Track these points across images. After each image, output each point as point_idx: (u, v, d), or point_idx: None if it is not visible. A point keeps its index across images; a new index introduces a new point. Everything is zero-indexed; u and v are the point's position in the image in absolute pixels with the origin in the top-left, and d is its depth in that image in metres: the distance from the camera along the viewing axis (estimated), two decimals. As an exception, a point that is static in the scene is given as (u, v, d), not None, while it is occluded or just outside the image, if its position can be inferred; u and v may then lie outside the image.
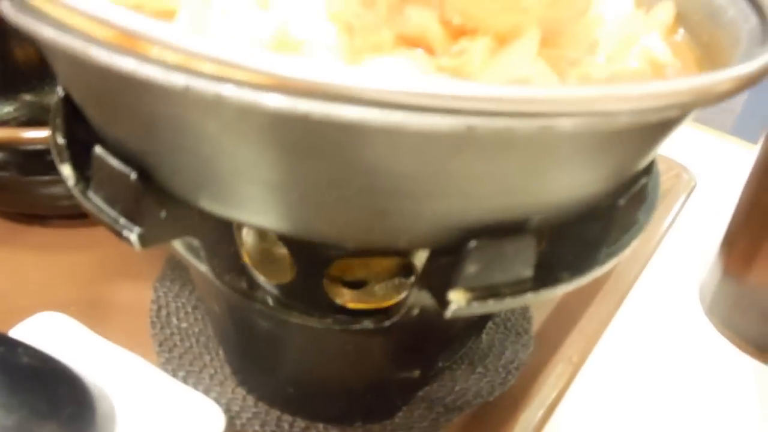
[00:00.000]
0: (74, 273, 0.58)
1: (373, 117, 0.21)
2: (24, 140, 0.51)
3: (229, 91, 0.22)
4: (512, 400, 0.47)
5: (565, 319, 0.52)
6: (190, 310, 0.54)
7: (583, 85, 0.22)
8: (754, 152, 0.56)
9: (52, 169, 0.55)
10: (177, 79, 0.22)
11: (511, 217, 0.29)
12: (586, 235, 0.34)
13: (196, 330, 0.53)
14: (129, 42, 0.23)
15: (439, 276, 0.31)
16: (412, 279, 0.42)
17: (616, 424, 0.50)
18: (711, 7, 0.39)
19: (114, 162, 0.31)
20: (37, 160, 0.52)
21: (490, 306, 0.30)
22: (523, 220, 0.30)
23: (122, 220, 0.32)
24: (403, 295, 0.41)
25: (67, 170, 0.35)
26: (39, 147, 0.51)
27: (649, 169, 0.36)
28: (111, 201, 0.33)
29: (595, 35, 0.35)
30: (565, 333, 0.52)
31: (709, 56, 0.36)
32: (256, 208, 0.29)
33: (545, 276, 0.31)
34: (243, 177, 0.27)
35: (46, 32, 0.24)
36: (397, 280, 0.43)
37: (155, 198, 0.31)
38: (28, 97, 0.68)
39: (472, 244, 0.28)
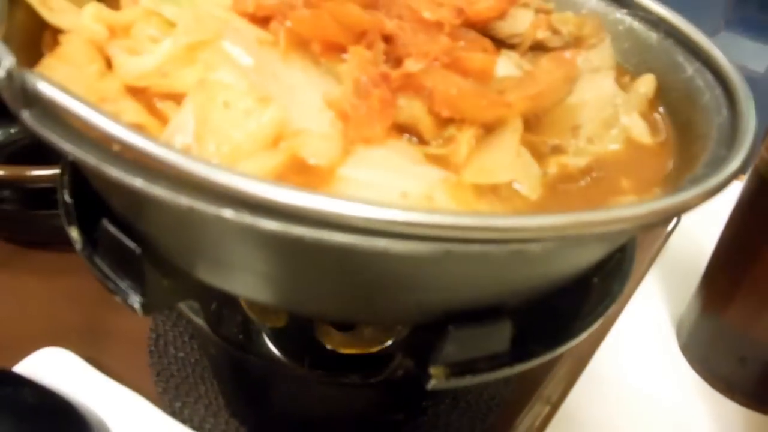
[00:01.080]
0: (75, 298, 0.60)
1: (360, 242, 0.24)
2: (29, 178, 0.53)
3: (229, 214, 0.24)
4: None
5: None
6: (186, 339, 0.57)
7: (551, 215, 0.24)
8: (735, 191, 0.58)
9: (55, 204, 0.57)
10: (182, 201, 0.24)
11: (487, 304, 0.31)
12: (560, 310, 0.36)
13: (193, 360, 0.55)
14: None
15: (422, 348, 0.34)
16: (399, 327, 0.45)
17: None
18: (689, 88, 0.41)
19: (120, 236, 0.33)
20: (41, 196, 0.54)
21: (467, 381, 0.32)
22: (498, 305, 0.32)
23: (126, 288, 0.34)
24: (389, 341, 0.44)
25: (74, 233, 0.37)
26: (43, 185, 0.53)
27: (623, 245, 0.38)
28: (116, 268, 0.35)
29: (576, 119, 0.37)
30: (545, 371, 0.54)
31: (685, 139, 0.38)
32: (252, 289, 0.31)
33: (521, 351, 0.34)
34: (242, 268, 0.29)
35: (64, 146, 0.26)
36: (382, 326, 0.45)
37: (158, 270, 0.34)
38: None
39: (451, 328, 0.31)
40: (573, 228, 0.24)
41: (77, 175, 0.40)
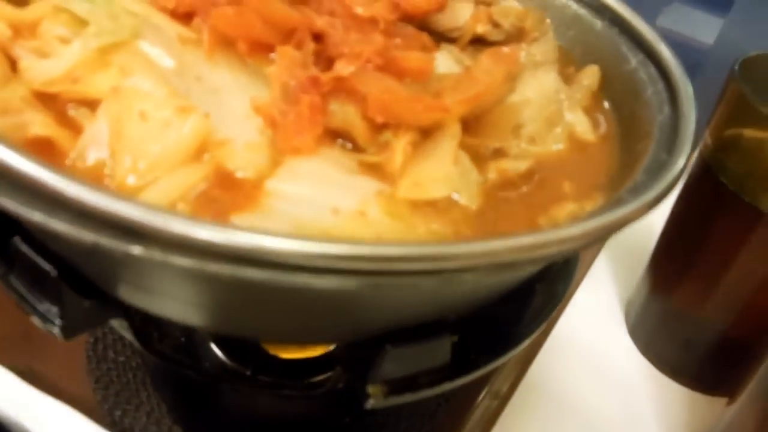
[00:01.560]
0: (4, 300, 0.57)
1: (278, 278, 0.22)
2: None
3: (137, 251, 0.22)
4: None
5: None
6: (127, 342, 0.55)
7: (480, 240, 0.23)
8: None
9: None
10: (85, 236, 0.22)
11: (424, 321, 0.30)
12: (502, 317, 0.35)
13: (134, 364, 0.53)
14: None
15: (360, 365, 0.32)
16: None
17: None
18: (632, 80, 0.40)
19: (35, 257, 0.31)
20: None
21: (407, 398, 0.32)
22: (438, 321, 0.31)
23: (44, 311, 0.32)
24: (332, 347, 0.43)
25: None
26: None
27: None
28: (32, 289, 0.33)
29: (518, 119, 0.36)
30: (494, 364, 0.54)
31: (628, 136, 0.38)
32: (179, 314, 0.30)
33: (462, 363, 0.33)
34: (165, 294, 0.28)
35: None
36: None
37: (78, 291, 0.31)
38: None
39: (388, 347, 0.29)
40: (503, 254, 0.23)
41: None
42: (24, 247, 0.31)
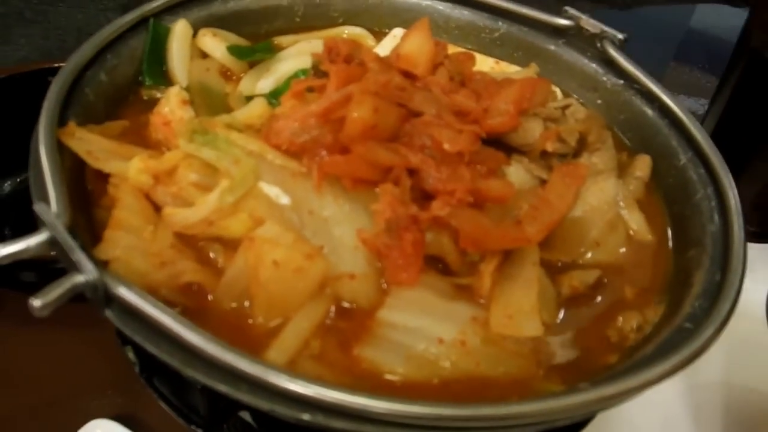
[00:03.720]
0: (104, 350, 0.62)
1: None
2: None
3: (306, 417, 0.28)
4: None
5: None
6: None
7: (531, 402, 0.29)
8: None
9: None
10: (263, 405, 0.28)
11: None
12: None
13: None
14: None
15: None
16: None
17: None
18: (683, 178, 0.44)
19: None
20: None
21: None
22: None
23: (187, 412, 0.38)
24: None
25: (131, 355, 0.41)
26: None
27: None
28: (176, 393, 0.39)
29: (583, 228, 0.41)
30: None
31: (680, 238, 0.42)
32: None
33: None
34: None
35: (149, 348, 0.29)
36: None
37: (215, 397, 0.37)
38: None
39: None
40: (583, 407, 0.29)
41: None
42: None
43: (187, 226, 0.36)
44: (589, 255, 0.41)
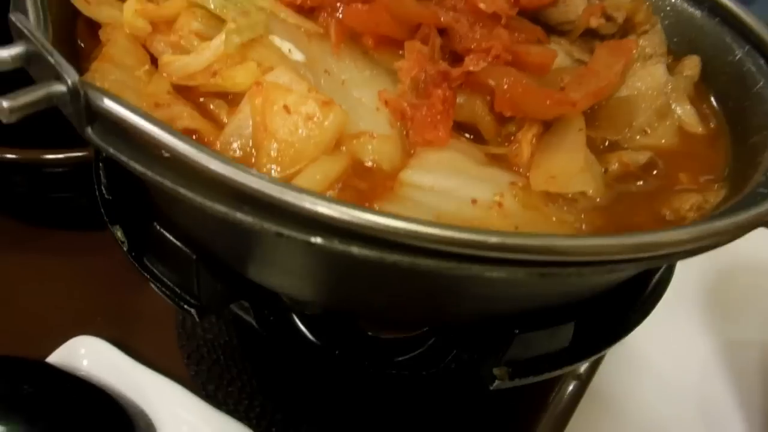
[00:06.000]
0: (97, 278, 0.59)
1: (451, 267, 0.23)
2: (44, 162, 0.51)
3: (318, 240, 0.23)
4: (522, 418, 0.50)
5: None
6: (214, 320, 0.56)
7: (642, 234, 0.24)
8: None
9: (72, 187, 0.55)
10: (269, 227, 0.23)
11: (552, 309, 0.31)
12: (617, 303, 0.36)
13: (222, 342, 0.55)
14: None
15: (482, 350, 0.34)
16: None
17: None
18: (739, 72, 0.40)
19: (175, 242, 0.32)
20: (57, 180, 0.53)
21: (530, 380, 0.33)
22: (563, 306, 0.32)
23: (180, 292, 0.34)
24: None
25: (119, 233, 0.36)
26: (58, 169, 0.51)
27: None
28: (169, 273, 0.34)
29: (630, 111, 0.36)
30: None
31: (738, 129, 0.38)
32: (311, 296, 0.31)
33: (581, 347, 0.34)
34: (307, 282, 0.29)
35: (136, 167, 0.25)
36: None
37: (213, 275, 0.33)
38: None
39: (516, 332, 0.31)
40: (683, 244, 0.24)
41: (112, 169, 0.38)
42: (166, 234, 0.32)
43: (188, 76, 0.32)
44: (637, 138, 0.36)
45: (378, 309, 0.31)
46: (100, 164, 0.38)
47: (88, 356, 0.48)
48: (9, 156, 0.50)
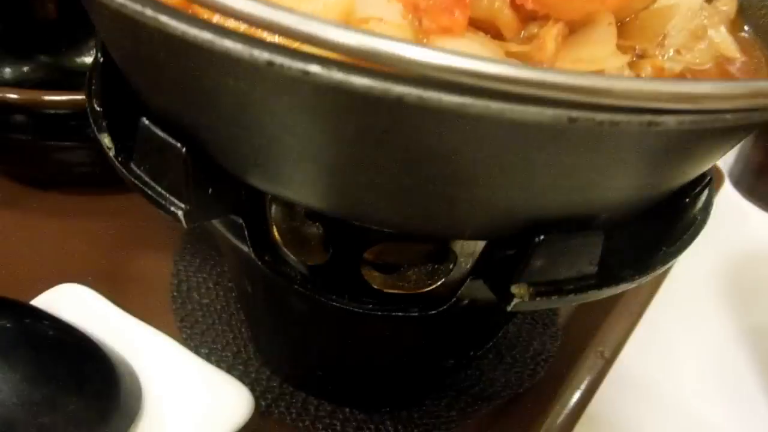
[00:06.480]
0: (91, 239, 0.56)
1: (473, 104, 0.20)
2: (45, 103, 0.49)
3: (315, 69, 0.20)
4: (542, 393, 0.46)
5: (594, 311, 0.51)
6: (211, 285, 0.53)
7: (695, 82, 0.21)
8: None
9: (72, 136, 0.53)
10: (259, 55, 0.20)
11: (579, 213, 0.28)
12: (647, 235, 0.33)
13: (218, 307, 0.52)
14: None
15: (498, 269, 0.30)
16: (450, 266, 0.41)
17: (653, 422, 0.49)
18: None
19: (162, 134, 0.29)
20: (58, 125, 0.51)
21: (553, 302, 0.29)
22: (590, 217, 0.28)
23: (168, 195, 0.31)
24: (438, 282, 0.40)
25: (107, 140, 0.33)
26: (60, 111, 0.49)
27: (711, 171, 0.35)
28: (156, 175, 0.31)
29: (664, 27, 0.34)
30: (594, 326, 0.51)
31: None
32: (318, 191, 0.28)
33: (608, 274, 0.30)
34: (309, 158, 0.26)
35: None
36: (430, 266, 0.42)
37: (204, 174, 0.30)
38: (44, 58, 0.66)
39: (540, 237, 0.27)
40: (715, 99, 0.21)
41: (106, 81, 0.36)
42: (152, 126, 0.30)
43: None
44: (670, 55, 0.33)
45: (384, 208, 0.28)
46: (95, 75, 0.36)
47: (74, 303, 0.45)
48: (10, 96, 0.49)
